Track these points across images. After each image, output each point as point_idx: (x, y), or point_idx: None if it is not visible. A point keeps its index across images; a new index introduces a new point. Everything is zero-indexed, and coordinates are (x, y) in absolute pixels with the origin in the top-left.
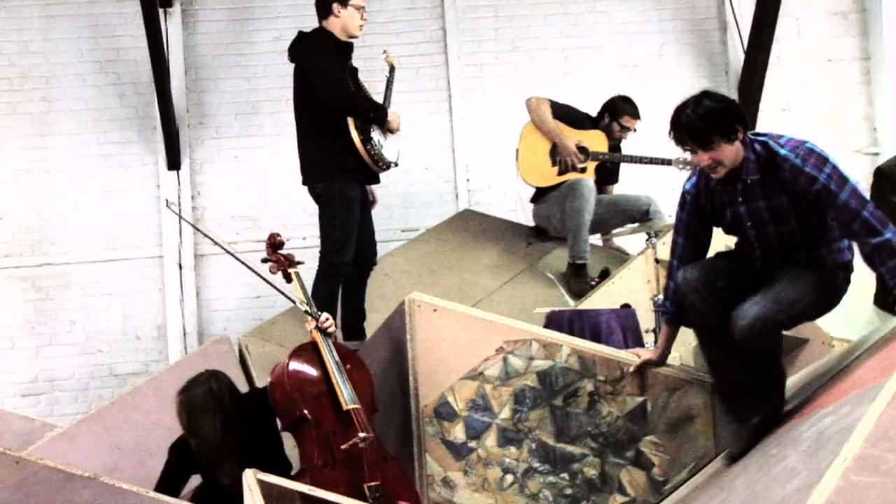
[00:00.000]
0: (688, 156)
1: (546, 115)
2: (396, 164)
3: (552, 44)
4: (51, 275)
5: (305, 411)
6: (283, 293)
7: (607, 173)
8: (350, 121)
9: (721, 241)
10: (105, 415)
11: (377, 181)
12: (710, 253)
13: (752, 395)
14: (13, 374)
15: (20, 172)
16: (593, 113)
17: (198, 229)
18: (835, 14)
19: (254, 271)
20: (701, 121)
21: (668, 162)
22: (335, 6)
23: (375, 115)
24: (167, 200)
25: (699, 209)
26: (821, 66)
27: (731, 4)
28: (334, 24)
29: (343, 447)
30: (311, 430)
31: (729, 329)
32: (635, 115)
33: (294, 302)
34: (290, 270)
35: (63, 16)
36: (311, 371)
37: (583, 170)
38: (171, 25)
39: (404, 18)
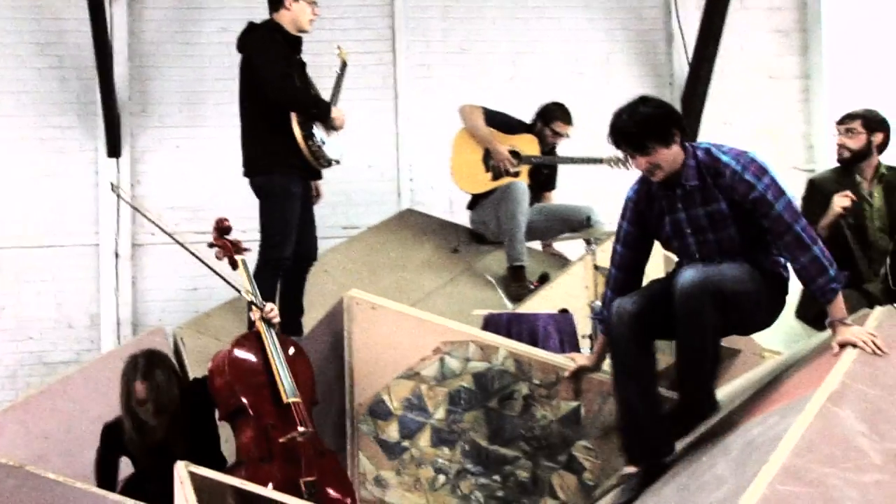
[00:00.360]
0: (619, 153)
1: (478, 122)
2: (338, 162)
3: (500, 48)
4: None
5: (244, 400)
6: (227, 281)
7: (543, 179)
8: (293, 116)
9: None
10: (33, 403)
11: (319, 177)
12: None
13: (650, 441)
14: None
15: None
16: (529, 120)
17: (142, 213)
18: (777, 31)
19: (197, 257)
20: (636, 126)
21: (600, 160)
22: None
23: (318, 112)
24: (112, 184)
25: (639, 216)
26: (762, 82)
27: (678, 17)
28: (284, 17)
29: (281, 440)
30: (249, 421)
31: (648, 364)
32: (567, 120)
33: (239, 290)
34: (237, 257)
35: None
36: (253, 361)
37: (516, 174)
38: (117, 10)
39: (354, 15)
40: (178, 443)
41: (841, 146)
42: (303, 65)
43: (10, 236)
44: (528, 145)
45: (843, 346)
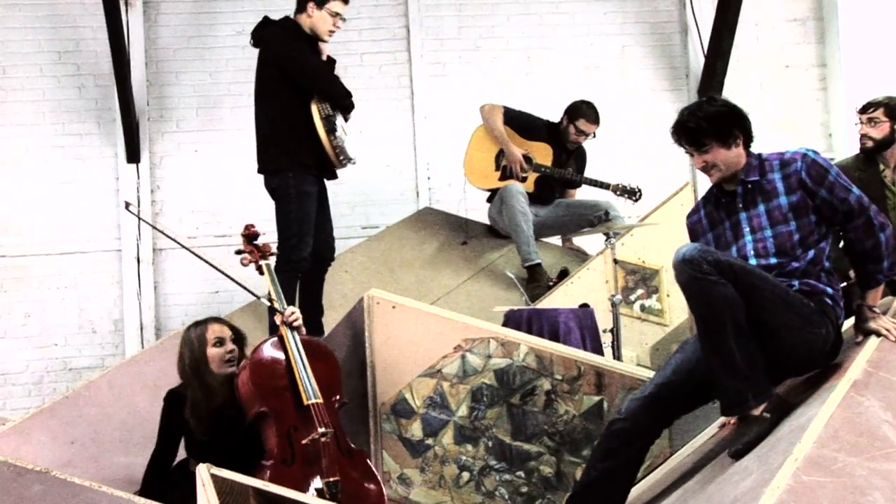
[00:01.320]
0: (626, 182)
1: (497, 122)
2: (354, 162)
3: (515, 44)
4: (5, 267)
5: (265, 407)
6: (244, 287)
7: (566, 180)
8: (315, 111)
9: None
10: (59, 409)
11: (335, 177)
12: None
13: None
14: None
15: None
16: (556, 117)
17: (158, 229)
18: (793, 21)
19: (213, 266)
20: (696, 121)
21: (607, 186)
22: (310, 5)
23: (350, 103)
24: (126, 202)
25: (695, 240)
26: (779, 72)
27: (693, 9)
28: (304, 21)
29: (303, 442)
30: (272, 424)
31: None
32: (593, 119)
33: (256, 296)
34: (262, 262)
35: (22, 4)
36: (275, 365)
37: (523, 179)
38: (133, 17)
39: (368, 16)
40: (234, 407)
41: (864, 136)
42: (332, 62)
43: (32, 244)
44: (542, 153)
45: (867, 333)
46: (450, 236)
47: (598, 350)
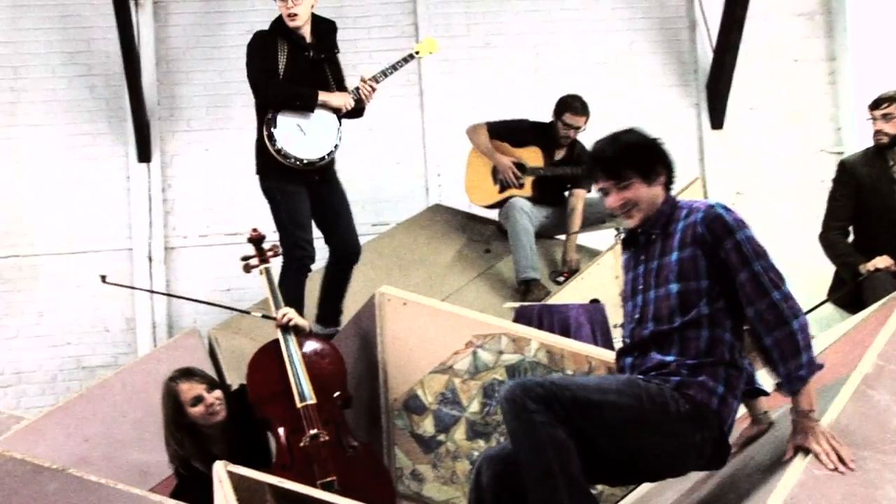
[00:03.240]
0: None
1: (481, 140)
2: (323, 160)
3: (523, 40)
4: (18, 266)
5: (265, 414)
6: (231, 308)
7: (574, 179)
8: (262, 118)
9: None
10: (73, 407)
11: (322, 175)
12: None
13: None
14: None
15: None
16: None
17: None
18: (801, 15)
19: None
20: (615, 151)
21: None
22: None
23: (302, 104)
24: (102, 276)
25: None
26: (788, 66)
27: (700, 4)
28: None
29: (300, 445)
30: (274, 429)
31: None
32: (577, 111)
33: (247, 312)
34: (262, 266)
35: (33, 5)
36: (269, 372)
37: (521, 185)
38: (143, 17)
39: (377, 13)
40: (234, 423)
41: (878, 132)
42: (314, 60)
43: (44, 243)
44: (533, 157)
45: (797, 448)
46: (460, 233)
47: (608, 345)
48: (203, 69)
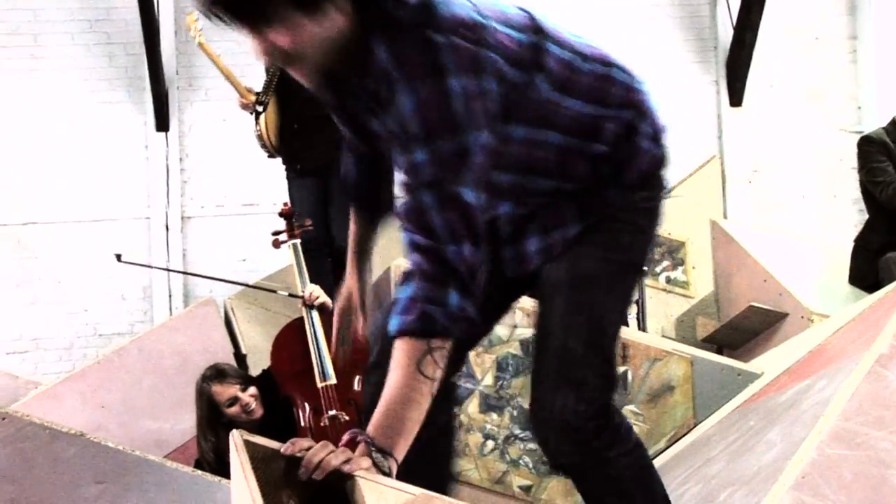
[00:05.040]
0: None
1: None
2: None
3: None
4: (36, 234)
5: (287, 392)
6: (257, 287)
7: None
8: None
9: None
10: (89, 374)
11: (306, 165)
12: None
13: None
14: None
15: (6, 130)
16: None
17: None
18: None
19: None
20: None
21: None
22: None
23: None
24: (117, 255)
25: None
26: (808, 44)
27: None
28: None
29: (321, 425)
30: (297, 408)
31: None
32: None
33: (274, 291)
34: (292, 242)
35: None
36: (293, 350)
37: None
38: None
39: None
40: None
41: None
42: None
43: (62, 211)
44: None
45: None
46: None
47: (623, 321)
48: (222, 39)
